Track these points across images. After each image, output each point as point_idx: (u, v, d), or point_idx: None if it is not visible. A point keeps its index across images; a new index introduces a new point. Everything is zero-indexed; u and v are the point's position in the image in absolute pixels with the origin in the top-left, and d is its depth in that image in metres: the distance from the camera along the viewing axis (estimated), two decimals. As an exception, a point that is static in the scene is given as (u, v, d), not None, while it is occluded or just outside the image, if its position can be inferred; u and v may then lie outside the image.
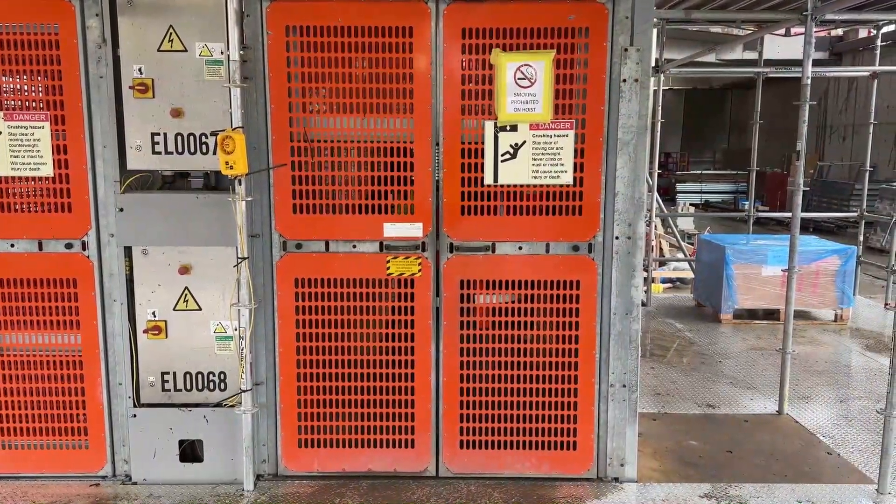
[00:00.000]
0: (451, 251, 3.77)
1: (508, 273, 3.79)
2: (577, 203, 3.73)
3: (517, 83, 3.56)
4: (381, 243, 3.75)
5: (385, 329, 3.85)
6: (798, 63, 5.00)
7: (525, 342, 3.87)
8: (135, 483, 3.85)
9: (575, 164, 3.69)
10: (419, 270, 3.75)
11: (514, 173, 3.69)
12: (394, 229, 3.73)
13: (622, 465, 3.93)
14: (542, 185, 3.72)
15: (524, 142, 3.67)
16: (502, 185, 3.72)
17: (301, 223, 3.72)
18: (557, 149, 3.67)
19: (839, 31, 16.74)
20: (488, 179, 3.69)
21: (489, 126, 3.63)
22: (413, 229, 3.73)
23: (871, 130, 8.65)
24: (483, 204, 3.74)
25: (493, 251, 3.78)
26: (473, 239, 3.77)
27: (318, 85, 3.63)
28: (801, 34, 4.93)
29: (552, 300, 3.81)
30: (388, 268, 3.75)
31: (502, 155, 3.68)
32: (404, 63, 3.61)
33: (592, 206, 3.73)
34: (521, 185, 3.73)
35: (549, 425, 3.89)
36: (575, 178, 3.70)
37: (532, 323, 3.86)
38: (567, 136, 3.67)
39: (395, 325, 3.84)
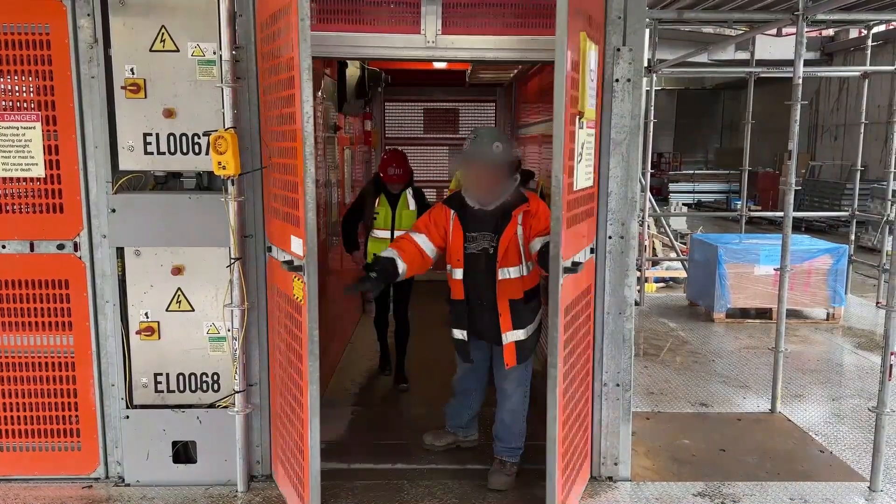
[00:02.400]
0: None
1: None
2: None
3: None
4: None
5: None
6: (789, 63, 5.03)
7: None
8: (128, 485, 3.83)
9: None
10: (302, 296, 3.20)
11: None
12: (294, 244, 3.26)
13: (616, 464, 3.93)
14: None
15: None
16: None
17: (269, 226, 3.69)
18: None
19: (830, 32, 16.84)
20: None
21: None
22: (297, 245, 3.21)
23: (861, 130, 8.69)
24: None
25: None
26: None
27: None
28: (793, 34, 4.95)
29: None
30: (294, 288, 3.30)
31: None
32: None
33: (586, 206, 3.73)
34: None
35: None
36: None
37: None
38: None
39: None
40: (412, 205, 5.31)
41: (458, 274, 3.86)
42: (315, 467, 3.23)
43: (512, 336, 3.76)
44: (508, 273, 3.72)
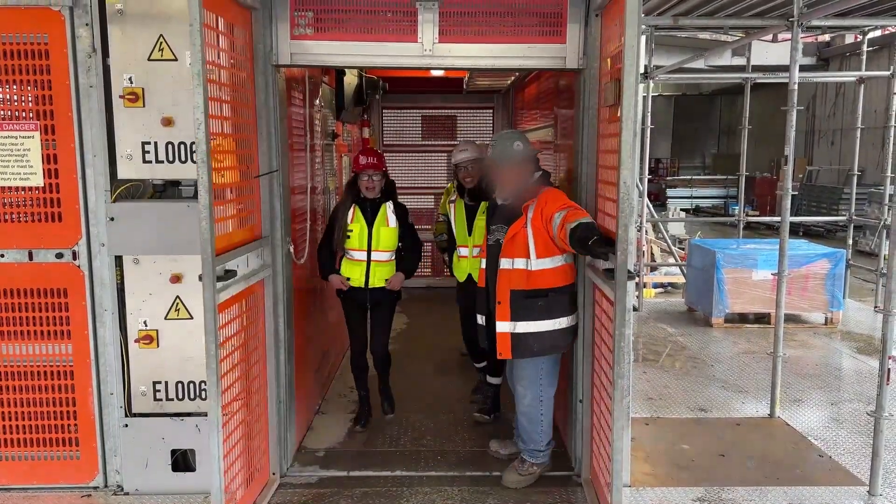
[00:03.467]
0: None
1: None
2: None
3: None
4: None
5: None
6: (785, 69, 5.04)
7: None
8: (127, 493, 3.82)
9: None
10: None
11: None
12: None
13: (615, 470, 3.93)
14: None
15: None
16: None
17: None
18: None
19: (826, 37, 16.90)
20: None
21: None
22: None
23: (858, 135, 8.71)
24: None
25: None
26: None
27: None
28: (789, 40, 4.97)
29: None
30: None
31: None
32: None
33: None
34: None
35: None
36: (565, 184, 3.71)
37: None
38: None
39: None
40: (392, 221, 4.57)
41: (483, 263, 4.10)
42: (216, 484, 3.11)
43: (506, 326, 3.79)
44: (512, 263, 3.78)
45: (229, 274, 3.28)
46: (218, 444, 3.05)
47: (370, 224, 4.53)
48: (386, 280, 4.63)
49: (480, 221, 4.62)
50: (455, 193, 5.06)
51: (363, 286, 4.59)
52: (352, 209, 4.55)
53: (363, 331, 4.80)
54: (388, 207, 4.59)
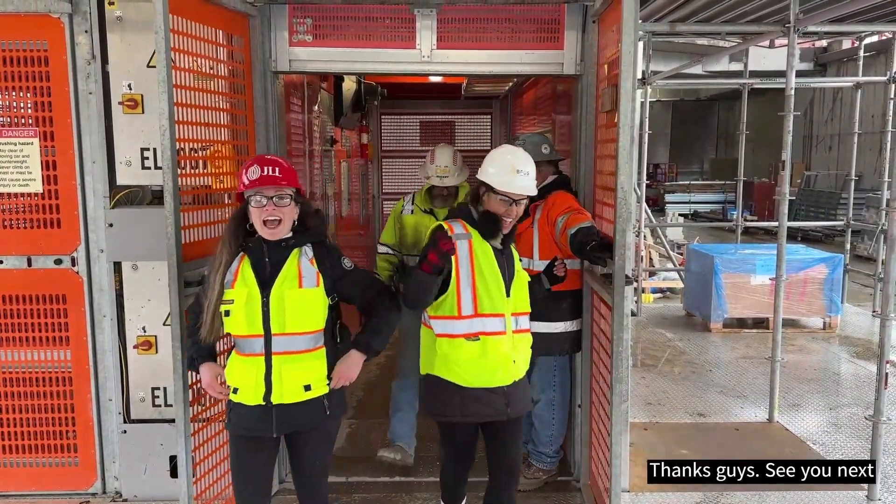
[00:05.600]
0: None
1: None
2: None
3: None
4: None
5: None
6: (783, 74, 5.07)
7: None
8: (125, 500, 3.82)
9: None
10: None
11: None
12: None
13: (614, 475, 3.93)
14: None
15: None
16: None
17: None
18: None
19: (823, 43, 16.95)
20: None
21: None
22: None
23: (855, 140, 8.75)
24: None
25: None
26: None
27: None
28: (786, 45, 4.99)
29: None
30: None
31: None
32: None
33: (581, 217, 3.74)
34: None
35: (541, 436, 3.88)
36: (563, 190, 3.72)
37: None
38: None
39: None
40: (309, 277, 2.59)
41: None
42: (184, 489, 3.07)
43: None
44: None
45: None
46: (187, 450, 3.05)
47: (266, 287, 2.56)
48: (327, 380, 2.66)
49: (525, 277, 3.10)
50: (457, 226, 2.94)
51: (262, 402, 2.59)
52: (236, 264, 2.61)
53: (260, 486, 2.75)
54: (304, 254, 2.63)
